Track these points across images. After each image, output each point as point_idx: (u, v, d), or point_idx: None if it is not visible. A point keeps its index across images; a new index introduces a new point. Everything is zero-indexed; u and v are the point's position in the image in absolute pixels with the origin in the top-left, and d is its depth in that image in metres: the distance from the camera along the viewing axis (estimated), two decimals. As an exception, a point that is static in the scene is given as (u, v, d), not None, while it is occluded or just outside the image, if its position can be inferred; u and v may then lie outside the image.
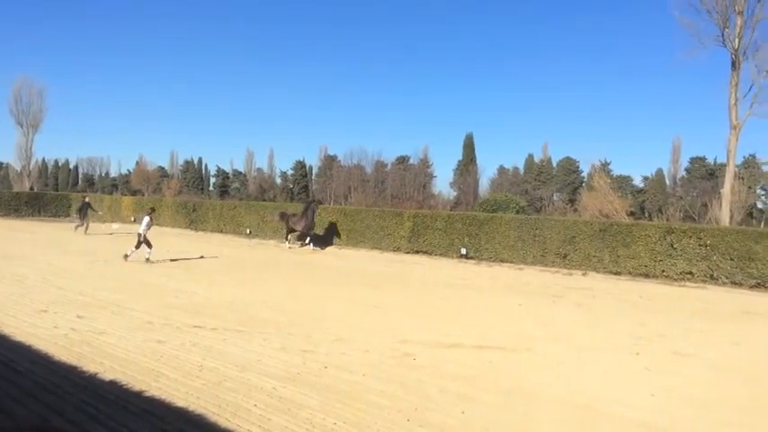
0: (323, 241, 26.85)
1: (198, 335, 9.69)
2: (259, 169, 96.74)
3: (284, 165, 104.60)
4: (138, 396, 6.72)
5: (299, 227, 26.18)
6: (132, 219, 36.90)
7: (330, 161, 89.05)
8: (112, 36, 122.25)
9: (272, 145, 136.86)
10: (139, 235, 19.16)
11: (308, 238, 26.15)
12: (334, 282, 16.58)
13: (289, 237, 26.94)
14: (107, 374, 7.40)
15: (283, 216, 26.97)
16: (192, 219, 35.01)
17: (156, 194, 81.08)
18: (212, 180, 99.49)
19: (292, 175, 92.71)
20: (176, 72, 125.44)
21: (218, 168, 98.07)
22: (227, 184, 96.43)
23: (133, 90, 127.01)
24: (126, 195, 60.36)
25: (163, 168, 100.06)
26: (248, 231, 31.26)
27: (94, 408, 6.31)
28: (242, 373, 7.64)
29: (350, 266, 20.69)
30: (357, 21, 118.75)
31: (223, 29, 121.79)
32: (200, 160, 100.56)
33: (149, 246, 19.12)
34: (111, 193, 79.49)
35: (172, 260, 19.11)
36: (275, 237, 29.65)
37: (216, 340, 9.34)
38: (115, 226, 34.90)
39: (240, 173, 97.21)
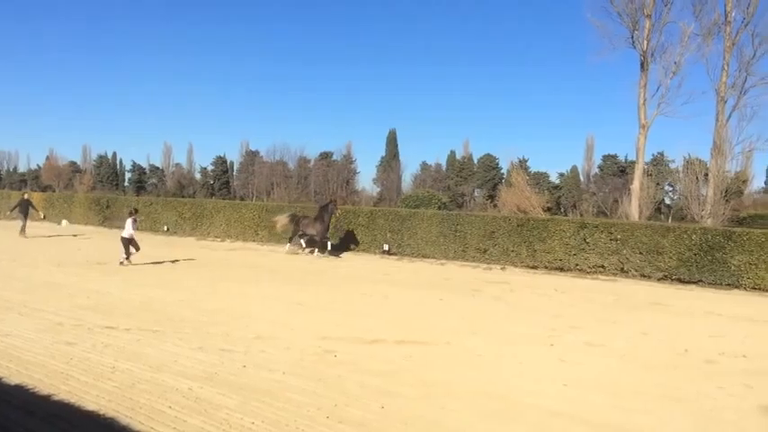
0: (338, 247, 24.15)
1: (110, 336, 9.37)
2: (177, 164, 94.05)
3: (204, 160, 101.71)
4: (45, 400, 6.46)
5: (312, 231, 23.19)
6: (42, 216, 35.23)
7: (252, 157, 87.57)
8: (19, 28, 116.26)
9: (192, 140, 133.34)
10: (123, 239, 18.24)
11: (329, 244, 23.04)
12: (256, 279, 16.35)
13: (292, 240, 24.09)
14: (12, 378, 7.09)
15: (293, 218, 23.95)
16: (106, 216, 33.74)
17: (68, 190, 77.79)
18: (128, 175, 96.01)
19: (213, 170, 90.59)
20: (88, 63, 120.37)
21: (134, 163, 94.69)
22: (144, 180, 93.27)
23: (43, 82, 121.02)
24: (36, 191, 57.53)
25: (75, 163, 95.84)
26: (166, 228, 30.42)
27: (-3, 414, 6.02)
28: (157, 374, 7.43)
29: (272, 263, 20.46)
30: (278, 18, 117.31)
31: (136, 23, 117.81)
32: (114, 155, 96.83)
33: (137, 248, 18.30)
34: (19, 189, 75.62)
35: (93, 262, 18.36)
36: (194, 234, 28.98)
37: (129, 341, 9.05)
38: (63, 224, 33.22)
39: (157, 168, 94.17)
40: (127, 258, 18.05)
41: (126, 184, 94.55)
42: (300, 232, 23.73)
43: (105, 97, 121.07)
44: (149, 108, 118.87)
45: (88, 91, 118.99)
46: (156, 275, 16.34)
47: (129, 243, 18.20)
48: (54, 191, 73.04)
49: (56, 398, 6.51)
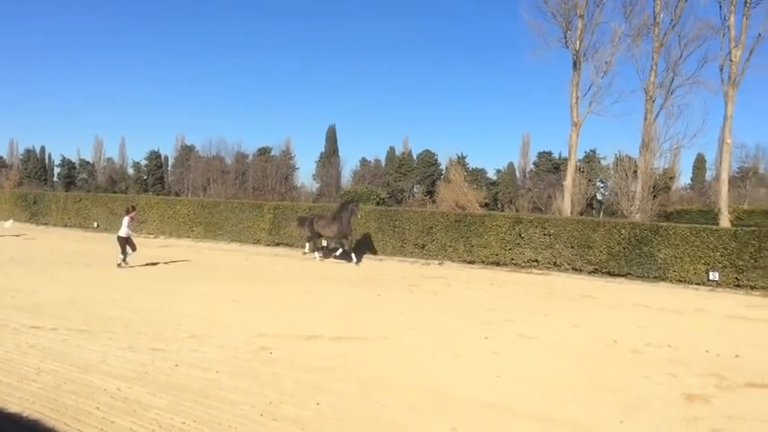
0: (361, 251, 22.51)
1: (36, 336, 9.02)
2: (109, 159, 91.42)
3: (137, 155, 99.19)
4: (-35, 404, 6.16)
5: (329, 232, 21.59)
6: None
7: (187, 151, 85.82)
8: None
9: (124, 133, 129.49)
10: (120, 238, 17.41)
11: (341, 249, 21.26)
12: (191, 276, 16.02)
13: (309, 244, 22.43)
14: (-73, 383, 6.73)
15: (303, 221, 22.41)
16: (33, 212, 32.57)
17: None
18: (57, 170, 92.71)
19: (146, 165, 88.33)
20: (15, 53, 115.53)
21: (64, 158, 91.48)
22: (74, 175, 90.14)
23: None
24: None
25: (1, 158, 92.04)
26: (96, 225, 29.54)
27: None
28: (84, 374, 7.20)
29: (207, 260, 20.09)
30: (214, 13, 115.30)
31: (65, 16, 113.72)
32: (42, 149, 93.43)
33: (133, 248, 17.53)
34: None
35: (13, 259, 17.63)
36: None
37: (56, 341, 8.73)
38: (8, 224, 31.57)
39: (88, 163, 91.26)
40: (124, 260, 17.36)
41: (55, 179, 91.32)
42: (316, 234, 22.06)
43: (33, 90, 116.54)
44: (80, 101, 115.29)
45: (15, 83, 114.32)
46: (84, 273, 15.82)
47: (126, 243, 17.50)
48: (-23, 186, 69.78)
49: (-24, 401, 6.23)
